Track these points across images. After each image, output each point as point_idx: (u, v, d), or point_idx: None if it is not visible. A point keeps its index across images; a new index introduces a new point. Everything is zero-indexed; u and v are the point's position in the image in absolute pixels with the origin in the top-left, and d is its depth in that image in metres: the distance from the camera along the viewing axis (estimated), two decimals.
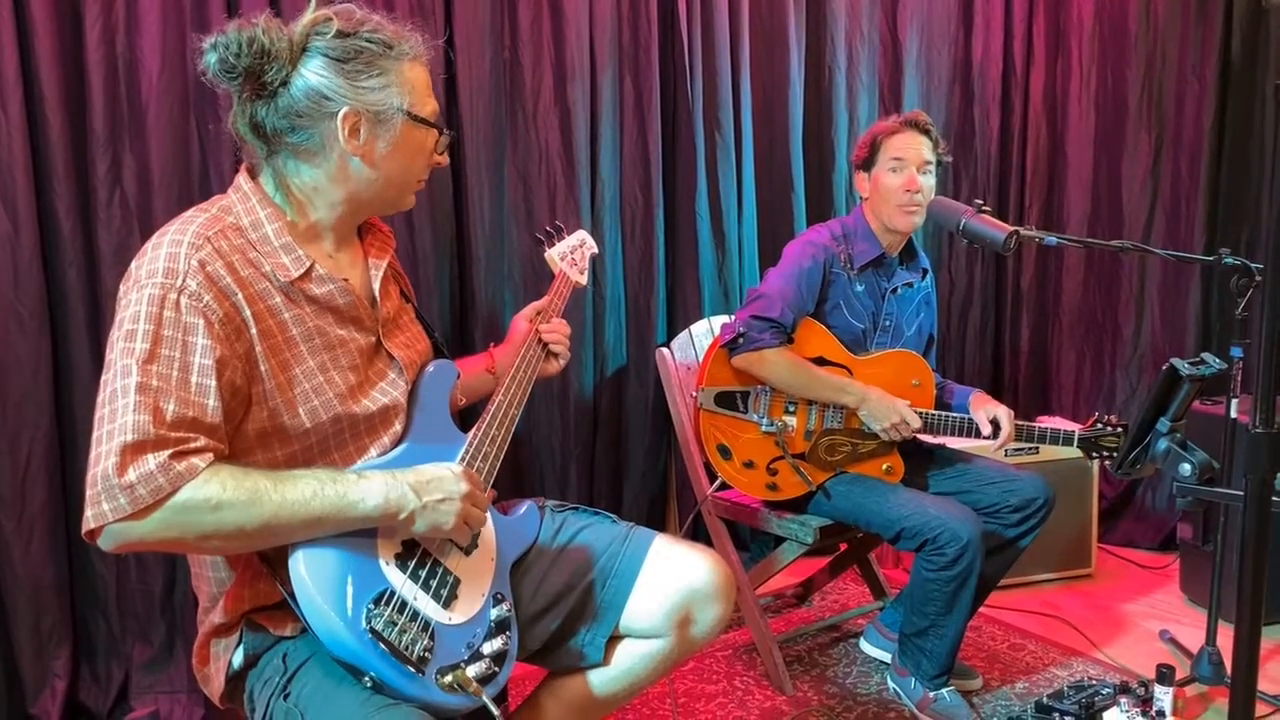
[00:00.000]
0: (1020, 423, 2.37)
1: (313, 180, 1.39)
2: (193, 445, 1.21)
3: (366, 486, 1.29)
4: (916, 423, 2.32)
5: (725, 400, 2.39)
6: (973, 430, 2.36)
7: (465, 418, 1.61)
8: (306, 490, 1.25)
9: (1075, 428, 2.36)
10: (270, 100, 1.33)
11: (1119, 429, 2.28)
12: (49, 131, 2.16)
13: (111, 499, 1.17)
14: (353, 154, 1.37)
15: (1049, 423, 2.51)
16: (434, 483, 1.33)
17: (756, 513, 2.51)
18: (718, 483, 2.49)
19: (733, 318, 2.48)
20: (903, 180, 2.40)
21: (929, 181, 2.42)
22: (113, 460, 1.17)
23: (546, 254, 1.93)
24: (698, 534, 2.82)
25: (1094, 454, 2.31)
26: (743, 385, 2.39)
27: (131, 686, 2.34)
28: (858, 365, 2.40)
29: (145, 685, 2.34)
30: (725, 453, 2.40)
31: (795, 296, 2.37)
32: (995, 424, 2.35)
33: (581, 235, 2.02)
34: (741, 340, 2.35)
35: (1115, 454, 2.28)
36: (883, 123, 2.50)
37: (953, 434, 2.38)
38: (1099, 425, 2.30)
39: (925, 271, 2.61)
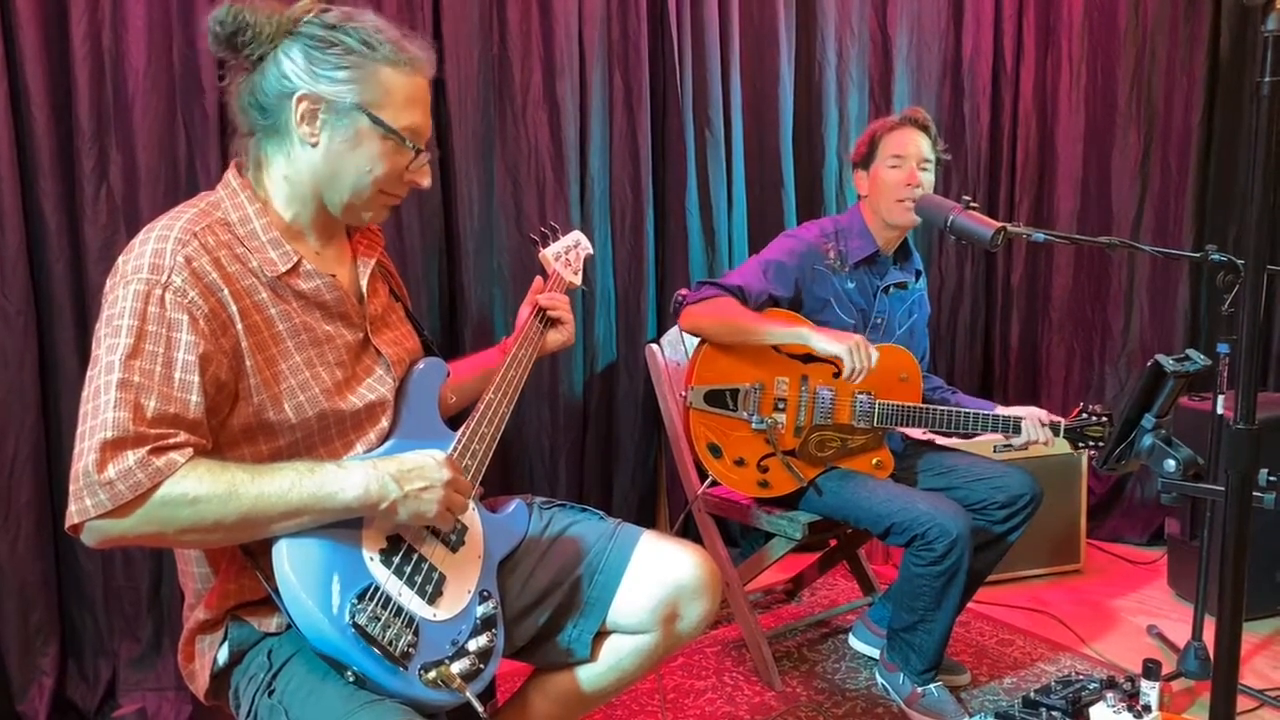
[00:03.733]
0: (1000, 412, 2.36)
1: (280, 166, 1.40)
2: (172, 441, 1.22)
3: (346, 477, 1.29)
4: (874, 352, 2.22)
5: (715, 399, 2.39)
6: (965, 423, 2.35)
7: (455, 418, 1.60)
8: (284, 482, 1.25)
9: (1060, 420, 2.35)
10: (249, 75, 1.37)
11: (1104, 418, 2.28)
12: (34, 127, 2.15)
13: (92, 495, 1.17)
14: (304, 140, 1.37)
15: None
16: (415, 471, 1.33)
17: (746, 509, 2.52)
18: (708, 481, 2.49)
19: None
20: (902, 176, 2.41)
21: (928, 178, 2.43)
22: (93, 457, 1.17)
23: (540, 254, 1.94)
24: (688, 530, 2.83)
25: (1080, 444, 2.31)
26: (732, 383, 2.39)
27: (119, 683, 2.33)
28: None
29: (133, 682, 2.34)
30: (716, 451, 2.40)
31: (756, 274, 2.39)
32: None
33: (576, 236, 2.03)
34: (682, 303, 2.40)
35: (1102, 443, 2.28)
36: (882, 120, 2.52)
37: (944, 428, 2.36)
38: (1084, 415, 2.30)
39: (919, 273, 2.62)
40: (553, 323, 1.80)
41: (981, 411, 2.36)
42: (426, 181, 1.46)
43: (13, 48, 2.12)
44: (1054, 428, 2.31)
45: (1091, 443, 2.30)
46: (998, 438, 2.96)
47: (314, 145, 1.37)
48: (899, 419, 2.36)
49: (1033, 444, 2.33)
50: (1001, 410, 2.38)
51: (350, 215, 1.45)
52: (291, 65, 1.35)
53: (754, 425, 2.37)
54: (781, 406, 2.39)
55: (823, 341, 2.24)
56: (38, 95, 2.15)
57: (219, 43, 1.35)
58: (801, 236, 2.49)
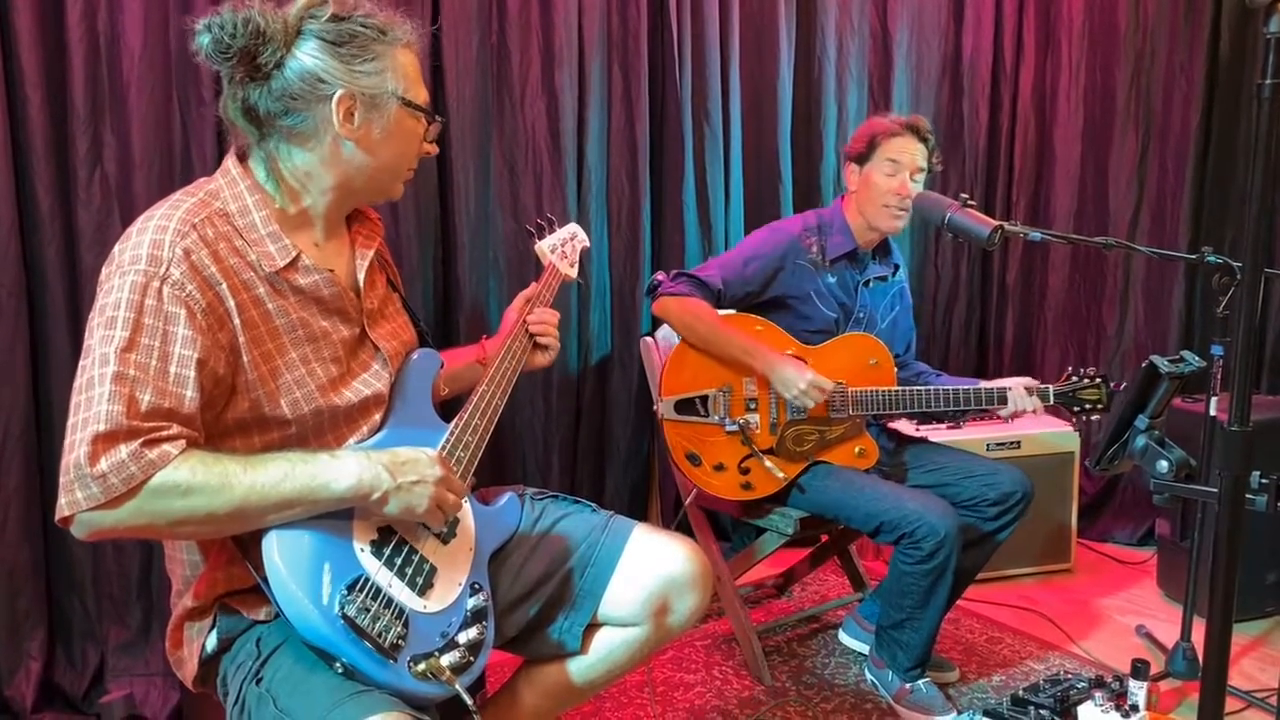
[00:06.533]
0: (988, 386, 2.35)
1: (305, 165, 1.38)
2: (165, 433, 1.20)
3: (339, 467, 1.28)
4: (828, 385, 2.28)
5: (685, 407, 2.38)
6: (946, 400, 2.33)
7: (449, 409, 1.60)
8: (277, 473, 1.24)
9: (1049, 386, 2.31)
10: (263, 83, 1.33)
11: (1099, 380, 2.25)
12: (28, 108, 2.14)
13: (84, 488, 1.16)
14: (346, 138, 1.36)
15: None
16: (408, 464, 1.33)
17: (738, 503, 2.51)
18: (695, 490, 2.47)
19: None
20: (896, 184, 2.40)
21: (917, 188, 2.42)
22: (85, 449, 1.16)
23: (537, 246, 1.93)
24: (679, 523, 2.82)
25: (1074, 408, 2.27)
26: (699, 389, 2.38)
27: (107, 669, 2.32)
28: (814, 354, 2.40)
29: (121, 668, 2.33)
30: (695, 460, 2.38)
31: (736, 270, 2.40)
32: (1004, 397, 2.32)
33: (573, 228, 2.02)
34: (658, 288, 2.41)
35: (1098, 406, 2.24)
36: (883, 121, 2.49)
37: (924, 408, 2.34)
38: (1075, 379, 2.27)
39: (897, 267, 2.62)
40: (538, 343, 1.76)
41: (962, 387, 2.35)
42: (436, 148, 1.52)
43: (7, 29, 2.11)
44: (1042, 394, 2.29)
45: (1088, 405, 2.26)
46: (990, 432, 2.98)
47: (354, 140, 1.37)
48: (873, 405, 2.35)
49: (1022, 414, 2.31)
50: (985, 383, 2.37)
51: (380, 195, 1.49)
52: (319, 64, 1.33)
53: (727, 428, 2.36)
54: (753, 406, 2.38)
55: (779, 378, 2.29)
56: (32, 77, 2.13)
57: (227, 55, 1.29)
58: (786, 230, 2.49)
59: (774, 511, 2.44)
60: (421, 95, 1.44)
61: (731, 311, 2.44)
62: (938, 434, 2.86)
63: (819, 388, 2.28)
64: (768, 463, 2.35)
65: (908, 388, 2.37)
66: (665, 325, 2.78)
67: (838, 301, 2.46)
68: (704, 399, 2.38)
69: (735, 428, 2.35)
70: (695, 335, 2.37)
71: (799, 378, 2.27)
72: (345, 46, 1.34)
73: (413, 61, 1.43)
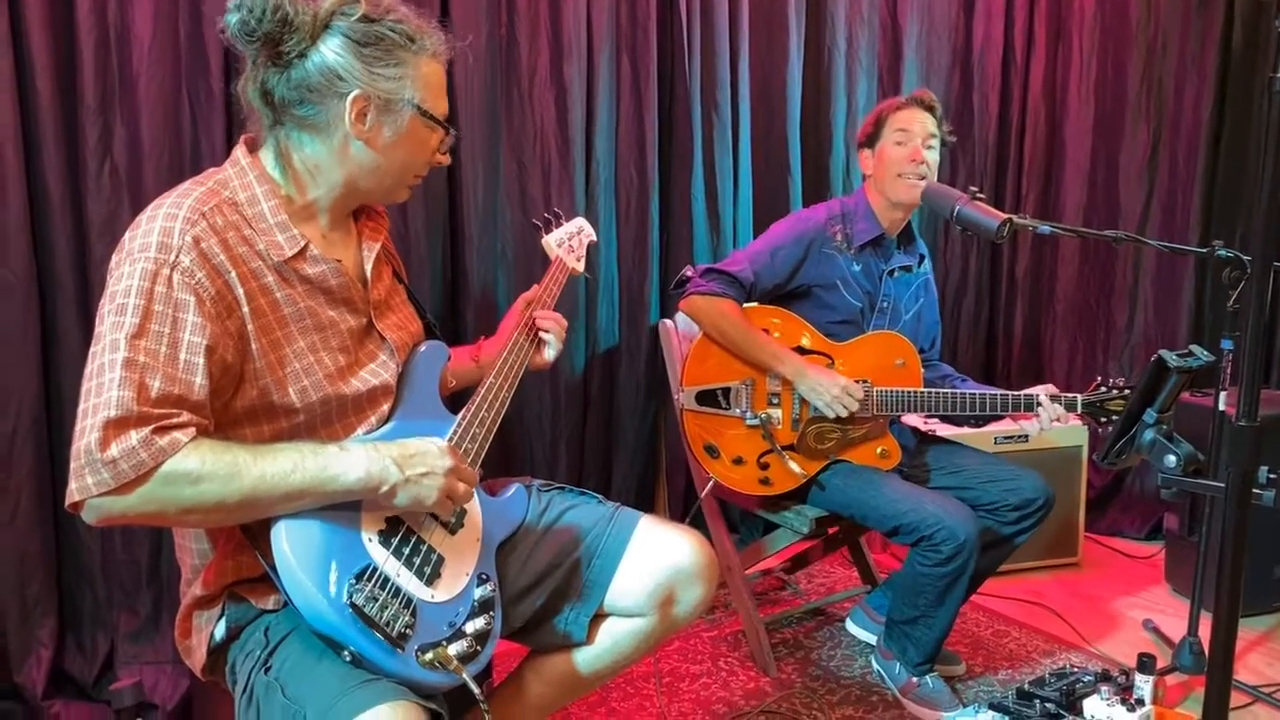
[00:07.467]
0: (1016, 393, 2.31)
1: (315, 156, 1.39)
2: (176, 420, 1.21)
3: (348, 459, 1.29)
4: (859, 393, 2.28)
5: (707, 398, 2.38)
6: (970, 405, 2.31)
7: (455, 403, 1.60)
8: (286, 463, 1.25)
9: (1076, 395, 2.26)
10: (284, 70, 1.34)
11: (1126, 391, 2.21)
12: (39, 99, 2.14)
13: (95, 473, 1.17)
14: (356, 137, 1.37)
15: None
16: (417, 457, 1.33)
17: (753, 497, 2.49)
18: (711, 482, 2.47)
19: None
20: (908, 152, 2.40)
21: (933, 156, 2.42)
22: (96, 435, 1.16)
23: (543, 240, 1.93)
24: (694, 517, 2.82)
25: (1101, 419, 2.23)
26: (723, 381, 2.37)
27: (117, 656, 2.34)
28: (839, 351, 2.39)
29: (130, 655, 2.34)
30: (713, 452, 2.38)
31: (765, 261, 2.39)
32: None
33: (580, 223, 2.02)
34: (687, 284, 2.39)
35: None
36: (888, 100, 2.51)
37: (948, 411, 2.32)
38: (1103, 389, 2.24)
39: (923, 257, 2.61)
40: (542, 341, 1.76)
41: (988, 392, 2.32)
42: (448, 159, 1.52)
43: (18, 19, 2.11)
44: (1069, 403, 2.26)
45: (1114, 416, 2.21)
46: (997, 426, 2.95)
47: (363, 140, 1.38)
48: (898, 405, 2.33)
49: (1054, 424, 2.26)
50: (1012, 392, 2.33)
51: (384, 197, 1.50)
52: (340, 61, 1.34)
53: (747, 421, 2.36)
54: (776, 401, 2.37)
55: (808, 385, 2.28)
56: (43, 68, 2.14)
57: (252, 38, 1.30)
58: (811, 218, 2.48)
59: (790, 509, 2.43)
60: (440, 107, 1.44)
61: (753, 304, 2.43)
62: (946, 429, 2.85)
63: (850, 394, 2.27)
64: (788, 459, 2.34)
65: (933, 390, 2.33)
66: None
67: (862, 290, 2.44)
68: (726, 391, 2.37)
69: (757, 422, 2.35)
70: (723, 337, 2.36)
71: (831, 384, 2.27)
72: (370, 48, 1.35)
73: (436, 72, 1.43)
